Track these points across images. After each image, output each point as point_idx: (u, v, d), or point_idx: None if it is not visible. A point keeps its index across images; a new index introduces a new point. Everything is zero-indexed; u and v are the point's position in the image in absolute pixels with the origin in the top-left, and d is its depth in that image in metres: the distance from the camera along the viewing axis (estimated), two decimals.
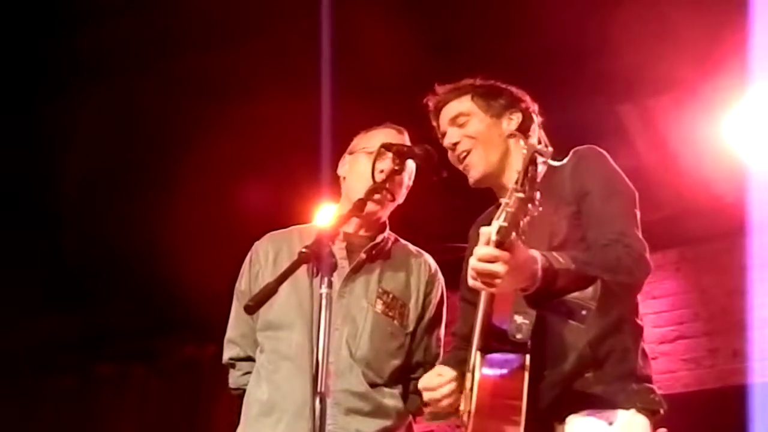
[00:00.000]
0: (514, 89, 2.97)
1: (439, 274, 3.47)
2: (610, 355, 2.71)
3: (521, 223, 2.27)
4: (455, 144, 2.90)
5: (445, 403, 2.86)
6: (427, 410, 3.05)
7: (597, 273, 2.53)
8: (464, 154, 2.89)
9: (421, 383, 2.94)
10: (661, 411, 2.75)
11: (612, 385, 2.69)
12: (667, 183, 5.68)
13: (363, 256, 3.33)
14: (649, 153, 5.58)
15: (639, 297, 2.84)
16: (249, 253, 3.50)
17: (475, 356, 2.69)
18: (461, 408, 2.83)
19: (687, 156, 5.57)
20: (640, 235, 2.68)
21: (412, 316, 3.38)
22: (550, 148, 2.41)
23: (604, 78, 5.07)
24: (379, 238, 3.37)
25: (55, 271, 6.91)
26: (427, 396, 2.89)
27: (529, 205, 2.27)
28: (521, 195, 2.26)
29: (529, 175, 2.28)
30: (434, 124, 3.00)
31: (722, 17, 4.72)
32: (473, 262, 2.34)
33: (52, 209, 6.49)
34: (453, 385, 2.87)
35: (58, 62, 5.54)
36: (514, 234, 2.27)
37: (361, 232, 3.38)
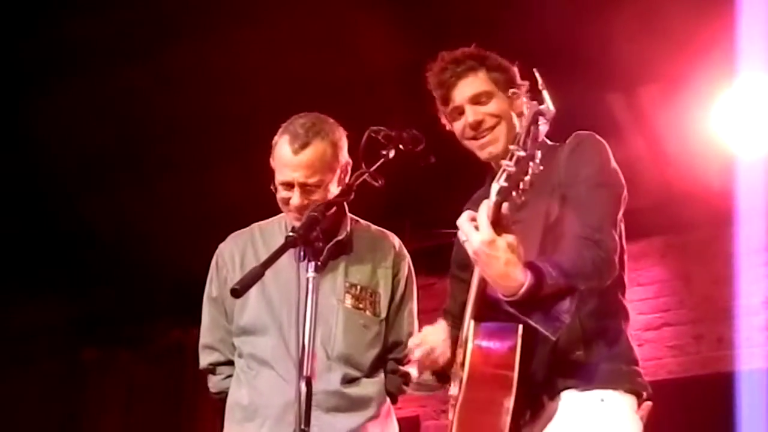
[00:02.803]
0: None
1: (404, 251, 3.43)
2: (602, 335, 2.73)
3: (521, 183, 2.31)
4: (479, 122, 2.88)
5: (437, 353, 2.88)
6: (415, 378, 3.07)
7: (578, 283, 2.52)
8: (487, 131, 2.88)
9: (411, 342, 2.97)
10: (645, 394, 2.78)
11: (602, 364, 2.71)
12: (654, 171, 5.69)
13: (325, 253, 3.29)
14: (637, 141, 5.59)
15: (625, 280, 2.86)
16: (215, 257, 3.44)
17: (469, 325, 2.70)
18: (451, 391, 2.84)
19: (675, 144, 5.58)
20: (616, 234, 2.68)
21: (384, 301, 3.35)
22: (553, 109, 2.38)
23: (593, 67, 5.07)
24: (342, 235, 3.31)
25: (40, 257, 6.90)
26: (418, 352, 2.91)
27: (530, 163, 2.30)
28: (522, 153, 2.31)
29: (531, 134, 2.32)
30: (437, 93, 2.96)
31: (710, 6, 4.73)
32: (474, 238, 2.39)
33: (39, 195, 6.47)
34: (443, 336, 2.90)
35: (41, 53, 5.50)
36: (514, 193, 2.31)
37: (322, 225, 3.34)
